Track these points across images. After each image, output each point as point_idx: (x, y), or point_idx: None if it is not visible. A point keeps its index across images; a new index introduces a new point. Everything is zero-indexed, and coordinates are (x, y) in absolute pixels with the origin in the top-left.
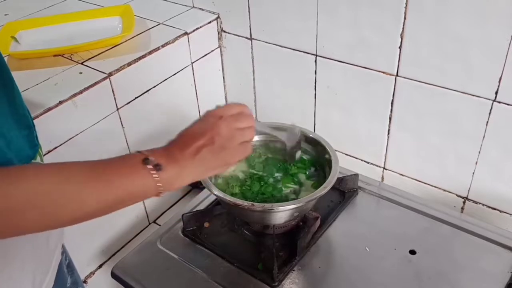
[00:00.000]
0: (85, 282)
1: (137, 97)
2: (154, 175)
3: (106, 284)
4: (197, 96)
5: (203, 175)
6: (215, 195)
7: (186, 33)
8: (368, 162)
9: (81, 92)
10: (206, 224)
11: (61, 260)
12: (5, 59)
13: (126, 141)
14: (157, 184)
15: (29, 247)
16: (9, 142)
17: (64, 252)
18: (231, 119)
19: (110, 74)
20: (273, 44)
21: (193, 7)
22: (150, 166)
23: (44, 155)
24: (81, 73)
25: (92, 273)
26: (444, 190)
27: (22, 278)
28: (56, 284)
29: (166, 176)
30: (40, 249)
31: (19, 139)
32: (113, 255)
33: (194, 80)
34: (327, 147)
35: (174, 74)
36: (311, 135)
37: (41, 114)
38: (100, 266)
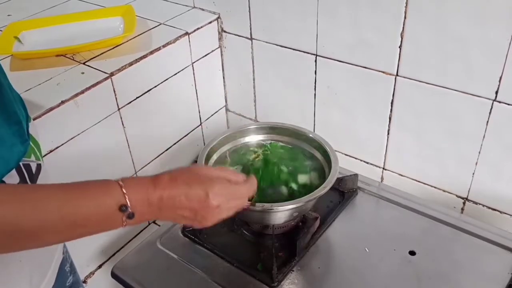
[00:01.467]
0: (84, 282)
1: (138, 97)
2: (124, 221)
3: (106, 284)
4: (197, 96)
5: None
6: None
7: (187, 33)
8: (367, 162)
9: (82, 92)
10: None
11: (63, 260)
12: (8, 59)
13: (127, 141)
14: (123, 226)
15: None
16: (2, 139)
17: (66, 251)
18: (225, 208)
19: (112, 74)
20: (273, 44)
21: (194, 7)
22: (124, 213)
23: (45, 155)
24: (83, 73)
25: (92, 273)
26: (444, 191)
27: (19, 278)
28: (56, 284)
29: (134, 222)
30: (38, 250)
31: (9, 135)
32: (113, 255)
33: (195, 80)
34: (326, 147)
35: (175, 74)
36: (310, 135)
37: (43, 114)
38: (100, 266)
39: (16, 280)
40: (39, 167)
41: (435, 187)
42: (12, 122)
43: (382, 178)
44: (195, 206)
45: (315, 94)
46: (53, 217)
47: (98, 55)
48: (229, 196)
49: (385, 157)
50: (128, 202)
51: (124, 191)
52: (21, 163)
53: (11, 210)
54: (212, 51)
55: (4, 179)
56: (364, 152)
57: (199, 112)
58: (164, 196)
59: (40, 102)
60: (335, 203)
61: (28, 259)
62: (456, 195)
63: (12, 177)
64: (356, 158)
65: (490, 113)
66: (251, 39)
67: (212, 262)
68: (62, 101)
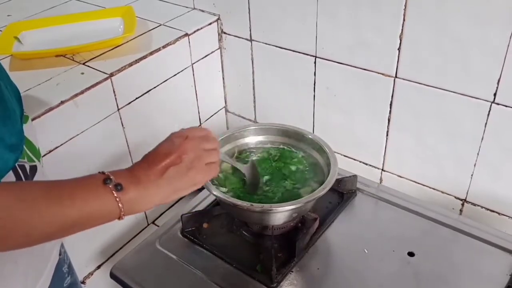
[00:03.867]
0: (83, 282)
1: (138, 97)
2: (115, 196)
3: (105, 284)
4: (197, 97)
5: (170, 197)
6: (214, 195)
7: (186, 34)
8: (366, 164)
9: (82, 92)
10: (205, 225)
11: (60, 261)
12: (8, 59)
13: (127, 141)
14: (119, 205)
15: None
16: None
17: (64, 252)
18: (197, 140)
19: (111, 75)
20: (273, 45)
21: (194, 8)
22: (110, 186)
23: (45, 155)
24: (82, 73)
25: (91, 273)
26: (443, 192)
27: (14, 278)
28: (52, 284)
29: (128, 198)
30: (34, 251)
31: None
32: (112, 255)
33: (194, 81)
34: (325, 148)
35: (175, 75)
36: (310, 136)
37: (42, 114)
38: (99, 267)
39: (11, 281)
40: (33, 168)
41: (433, 189)
42: (10, 122)
43: (381, 180)
44: (170, 148)
45: (314, 95)
46: (41, 209)
47: (98, 56)
48: (193, 131)
49: (384, 158)
50: (111, 175)
51: (104, 171)
52: (16, 164)
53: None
54: (212, 52)
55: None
56: (363, 154)
57: (199, 113)
58: (142, 163)
59: (40, 102)
60: (334, 204)
61: (23, 260)
62: (455, 197)
63: (9, 178)
64: (355, 159)
65: (488, 114)
66: (251, 40)
67: (211, 262)
68: (61, 101)
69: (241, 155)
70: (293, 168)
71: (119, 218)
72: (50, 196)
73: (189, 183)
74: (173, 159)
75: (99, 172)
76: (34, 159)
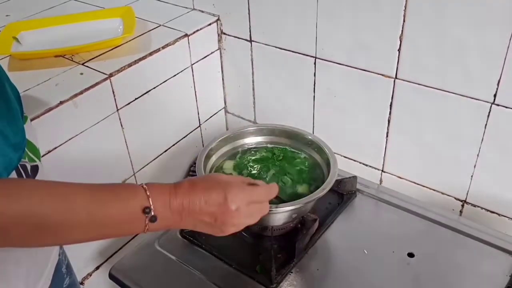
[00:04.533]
0: (82, 283)
1: (137, 98)
2: (146, 225)
3: (103, 285)
4: (196, 98)
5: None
6: None
7: (186, 35)
8: (366, 165)
9: (81, 92)
10: None
11: (59, 261)
12: (7, 59)
13: (126, 142)
14: (145, 229)
15: (24, 248)
16: (6, 137)
17: (63, 252)
18: (246, 215)
19: (111, 75)
20: (273, 46)
21: (194, 9)
22: (146, 216)
23: (44, 155)
24: (82, 73)
25: (89, 274)
26: (443, 193)
27: (16, 277)
28: (52, 285)
29: (154, 227)
30: (35, 251)
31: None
32: (111, 256)
33: (194, 81)
34: (325, 149)
35: (174, 76)
36: (310, 137)
37: (41, 114)
38: (98, 268)
39: (13, 280)
40: (35, 168)
41: (433, 190)
42: (14, 122)
43: (381, 181)
44: (214, 210)
45: (314, 96)
46: (79, 212)
47: (97, 56)
48: (247, 198)
49: (384, 159)
50: (152, 205)
51: (148, 194)
52: (19, 164)
53: (39, 202)
54: (212, 53)
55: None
56: (363, 154)
57: (198, 114)
58: (185, 202)
59: (39, 102)
60: (334, 205)
61: (26, 259)
62: (455, 198)
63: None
64: (355, 160)
65: (488, 116)
66: (251, 41)
67: (210, 263)
68: (60, 101)
69: (244, 155)
70: (296, 168)
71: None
72: (90, 213)
73: (211, 233)
74: (210, 218)
75: (143, 187)
76: (35, 159)
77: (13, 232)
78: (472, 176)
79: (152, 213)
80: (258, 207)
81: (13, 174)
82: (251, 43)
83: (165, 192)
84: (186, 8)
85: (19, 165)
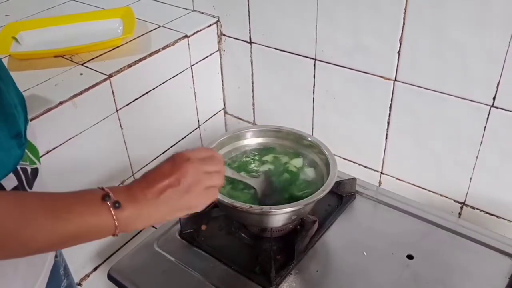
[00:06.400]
0: (79, 284)
1: (137, 99)
2: (112, 214)
3: (101, 286)
4: (196, 99)
5: (166, 218)
6: None
7: (186, 36)
8: (365, 167)
9: (81, 93)
10: (203, 227)
11: (56, 263)
12: (6, 59)
13: (125, 142)
14: (115, 222)
15: None
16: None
17: (60, 255)
18: (199, 162)
19: (110, 76)
20: (272, 48)
21: (193, 10)
22: (109, 203)
23: (43, 155)
24: (81, 74)
25: (87, 275)
26: (442, 195)
27: (14, 278)
28: (49, 286)
29: (124, 216)
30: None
31: (7, 138)
32: (109, 257)
33: (193, 82)
34: (325, 151)
35: (174, 77)
36: (309, 139)
37: (41, 114)
38: (95, 269)
39: (11, 281)
40: (34, 171)
41: (432, 192)
42: (10, 125)
43: (380, 182)
44: (169, 170)
45: (313, 98)
46: (37, 211)
47: (97, 57)
48: (195, 153)
49: (383, 161)
50: (110, 192)
51: (104, 187)
52: (18, 167)
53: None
54: (211, 54)
55: (2, 182)
56: (362, 156)
57: (197, 115)
58: (141, 180)
59: (38, 102)
60: (333, 206)
61: (23, 264)
62: (454, 200)
63: (10, 180)
64: (354, 162)
65: (487, 118)
66: (250, 42)
67: (209, 264)
68: (60, 101)
69: (248, 157)
70: (296, 169)
71: (114, 234)
72: (49, 209)
73: (185, 206)
74: (171, 181)
75: (98, 188)
76: (35, 161)
77: None
78: (471, 179)
79: (113, 198)
80: (209, 155)
81: (12, 177)
82: (250, 45)
83: (119, 186)
84: (186, 9)
85: (19, 169)
